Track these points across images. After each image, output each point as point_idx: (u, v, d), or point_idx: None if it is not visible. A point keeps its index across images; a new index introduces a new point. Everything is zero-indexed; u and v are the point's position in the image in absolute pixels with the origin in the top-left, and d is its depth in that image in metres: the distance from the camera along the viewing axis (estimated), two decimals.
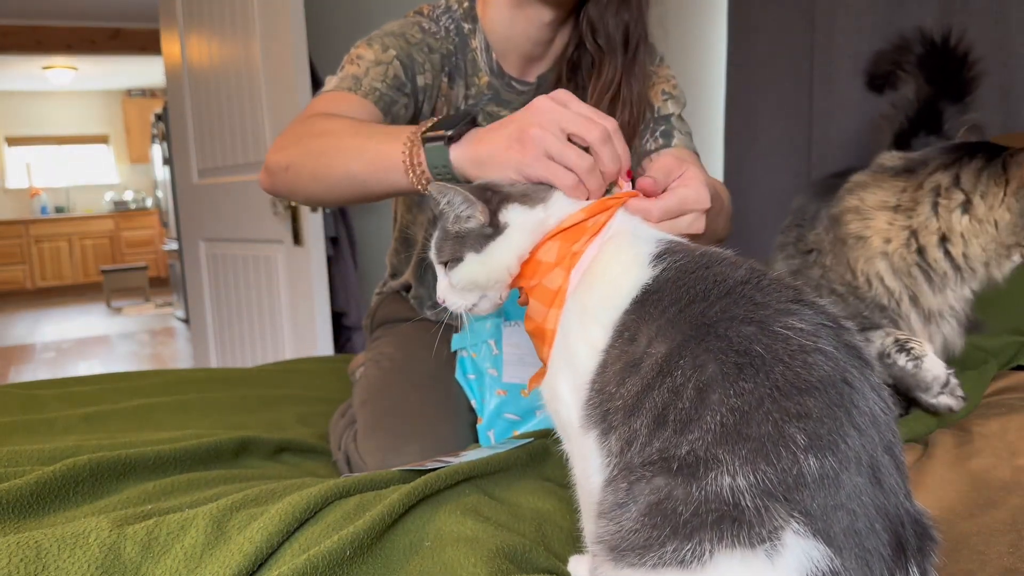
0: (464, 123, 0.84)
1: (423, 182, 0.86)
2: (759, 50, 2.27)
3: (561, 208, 0.71)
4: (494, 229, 0.70)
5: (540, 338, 0.69)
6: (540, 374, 0.70)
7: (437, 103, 1.20)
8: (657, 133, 1.22)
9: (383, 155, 0.88)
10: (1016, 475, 0.87)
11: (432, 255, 0.75)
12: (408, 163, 0.85)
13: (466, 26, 1.19)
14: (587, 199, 0.74)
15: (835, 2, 2.00)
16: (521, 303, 0.73)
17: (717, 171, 2.49)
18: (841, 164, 1.86)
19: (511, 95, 1.23)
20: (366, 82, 1.08)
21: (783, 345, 0.52)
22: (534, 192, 0.72)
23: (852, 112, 2.01)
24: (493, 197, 0.71)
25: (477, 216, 0.70)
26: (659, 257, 0.63)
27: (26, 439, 1.12)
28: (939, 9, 1.85)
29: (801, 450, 0.48)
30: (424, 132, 0.84)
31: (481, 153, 0.78)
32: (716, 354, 0.53)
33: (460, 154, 0.81)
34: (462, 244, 0.71)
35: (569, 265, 0.67)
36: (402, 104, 1.12)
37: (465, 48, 1.19)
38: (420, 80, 1.14)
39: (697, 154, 1.26)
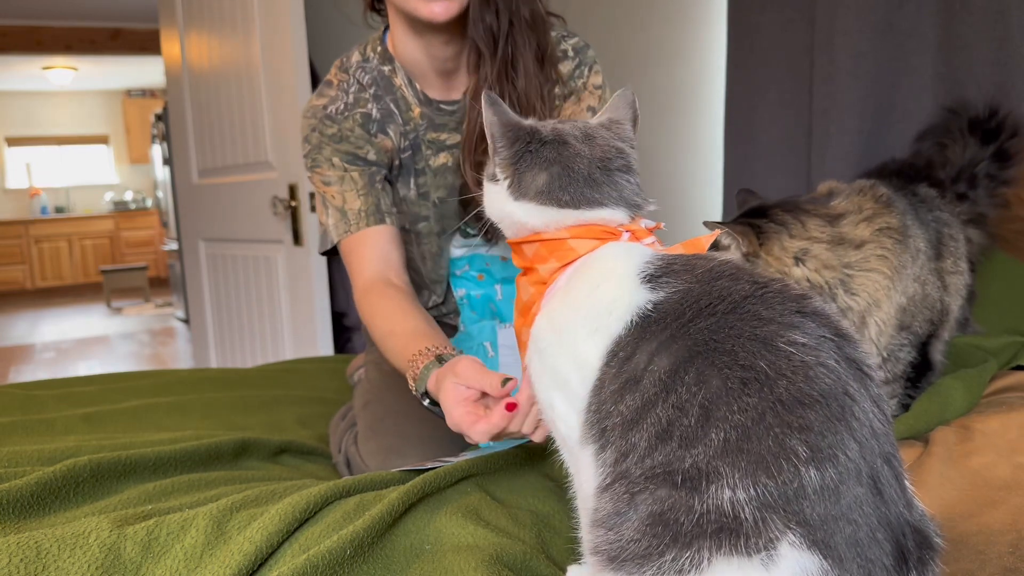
0: None
1: (414, 386, 0.99)
2: (759, 50, 2.27)
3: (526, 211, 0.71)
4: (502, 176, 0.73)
5: (520, 342, 0.74)
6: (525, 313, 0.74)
7: (391, 159, 1.22)
8: None
9: (400, 364, 1.05)
10: (1016, 473, 0.87)
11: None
12: (413, 375, 1.00)
13: (386, 68, 1.22)
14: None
15: (835, 2, 2.00)
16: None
17: (717, 171, 2.49)
18: (840, 164, 1.85)
19: (444, 118, 1.23)
20: (351, 212, 1.19)
21: (786, 361, 0.52)
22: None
23: (852, 112, 2.01)
24: (517, 143, 0.72)
25: (502, 151, 0.73)
26: (656, 279, 0.61)
27: (26, 439, 1.12)
28: (939, 9, 1.85)
29: (802, 462, 0.49)
30: (426, 363, 0.97)
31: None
32: (721, 369, 0.53)
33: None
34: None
35: (543, 287, 0.71)
36: (379, 188, 1.20)
37: (391, 89, 1.22)
38: (370, 156, 1.20)
39: None
